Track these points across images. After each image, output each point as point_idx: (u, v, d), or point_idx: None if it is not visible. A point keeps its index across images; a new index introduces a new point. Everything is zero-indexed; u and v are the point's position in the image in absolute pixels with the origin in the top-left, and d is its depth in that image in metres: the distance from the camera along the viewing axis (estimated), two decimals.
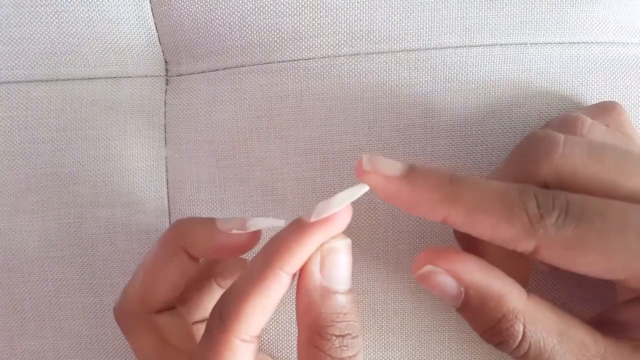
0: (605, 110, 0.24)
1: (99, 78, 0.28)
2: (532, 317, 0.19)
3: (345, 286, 0.20)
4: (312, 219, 0.19)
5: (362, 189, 0.19)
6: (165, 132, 0.28)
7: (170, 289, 0.23)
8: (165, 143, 0.28)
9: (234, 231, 0.21)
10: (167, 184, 0.28)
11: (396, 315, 0.27)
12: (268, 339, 0.28)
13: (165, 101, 0.28)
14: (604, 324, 0.20)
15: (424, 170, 0.19)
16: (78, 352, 0.28)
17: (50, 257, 0.27)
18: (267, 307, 0.19)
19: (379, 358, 0.27)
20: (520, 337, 0.19)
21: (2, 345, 0.28)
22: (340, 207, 0.19)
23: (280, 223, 0.21)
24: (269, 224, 0.22)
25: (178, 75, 0.29)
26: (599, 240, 0.17)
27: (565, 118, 0.23)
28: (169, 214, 0.28)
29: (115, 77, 0.28)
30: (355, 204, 0.20)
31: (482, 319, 0.19)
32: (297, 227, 0.19)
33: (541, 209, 0.18)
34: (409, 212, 0.20)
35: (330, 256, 0.19)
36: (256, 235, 0.22)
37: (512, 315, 0.19)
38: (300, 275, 0.20)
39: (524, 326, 0.19)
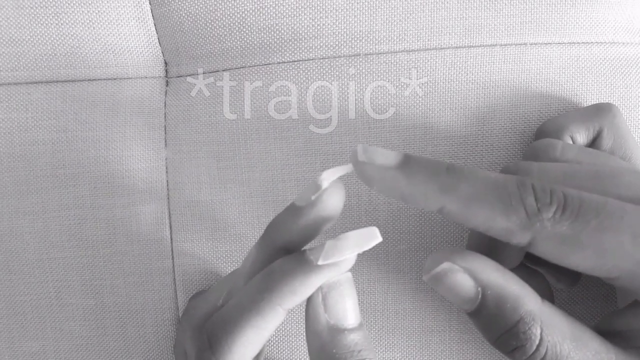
0: (600, 111, 0.24)
1: (99, 79, 0.28)
2: (548, 321, 0.18)
3: (354, 321, 0.19)
4: (320, 262, 0.18)
5: (374, 239, 0.18)
6: (166, 133, 0.28)
7: None
8: (166, 144, 0.28)
9: (313, 197, 0.19)
10: (168, 185, 0.28)
11: (397, 315, 0.27)
12: (268, 339, 0.28)
13: (165, 102, 0.28)
14: (604, 334, 0.19)
15: (420, 160, 0.19)
16: (79, 354, 0.28)
17: (50, 258, 0.27)
18: (261, 339, 0.19)
19: (380, 359, 0.27)
20: (537, 341, 0.18)
21: (2, 346, 0.28)
22: (352, 253, 0.18)
23: (349, 168, 0.19)
24: (339, 173, 0.20)
25: (178, 77, 0.29)
26: (594, 238, 0.17)
27: (536, 147, 0.23)
28: (169, 215, 0.28)
29: (115, 79, 0.28)
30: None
31: (498, 323, 0.19)
32: (302, 267, 0.19)
33: (539, 202, 0.18)
34: (405, 203, 0.19)
35: (332, 293, 0.19)
36: (337, 193, 0.20)
37: (530, 318, 0.18)
38: (306, 316, 0.19)
39: (541, 329, 0.18)
